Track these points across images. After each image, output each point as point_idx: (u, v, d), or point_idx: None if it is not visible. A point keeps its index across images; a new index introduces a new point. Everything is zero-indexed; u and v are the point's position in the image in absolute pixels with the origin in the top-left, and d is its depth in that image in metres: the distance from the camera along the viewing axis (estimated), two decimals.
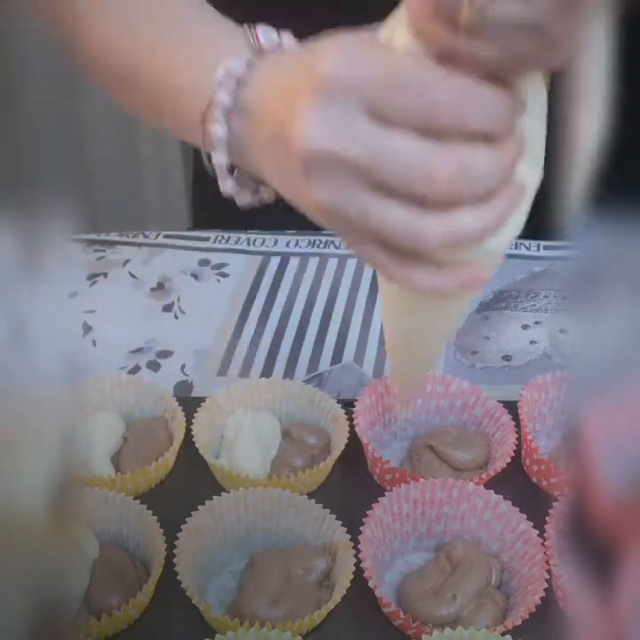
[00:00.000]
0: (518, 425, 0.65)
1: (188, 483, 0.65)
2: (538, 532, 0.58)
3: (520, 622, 0.54)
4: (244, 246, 0.88)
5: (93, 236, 0.90)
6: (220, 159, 0.55)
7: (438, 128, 0.43)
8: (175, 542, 0.57)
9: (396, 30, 0.46)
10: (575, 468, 0.23)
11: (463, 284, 0.47)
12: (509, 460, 0.62)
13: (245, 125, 0.53)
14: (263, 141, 0.51)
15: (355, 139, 0.44)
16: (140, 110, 0.65)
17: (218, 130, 0.54)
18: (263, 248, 0.88)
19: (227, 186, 0.56)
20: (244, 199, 0.57)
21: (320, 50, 0.47)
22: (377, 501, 0.59)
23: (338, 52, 0.46)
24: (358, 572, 0.56)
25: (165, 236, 0.90)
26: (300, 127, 0.46)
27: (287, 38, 0.55)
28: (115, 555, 0.58)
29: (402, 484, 0.60)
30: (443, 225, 0.44)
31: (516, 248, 0.86)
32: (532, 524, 0.58)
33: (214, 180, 0.58)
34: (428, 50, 0.44)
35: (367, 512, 0.58)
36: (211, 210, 0.98)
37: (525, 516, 0.59)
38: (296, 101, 0.46)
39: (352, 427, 0.64)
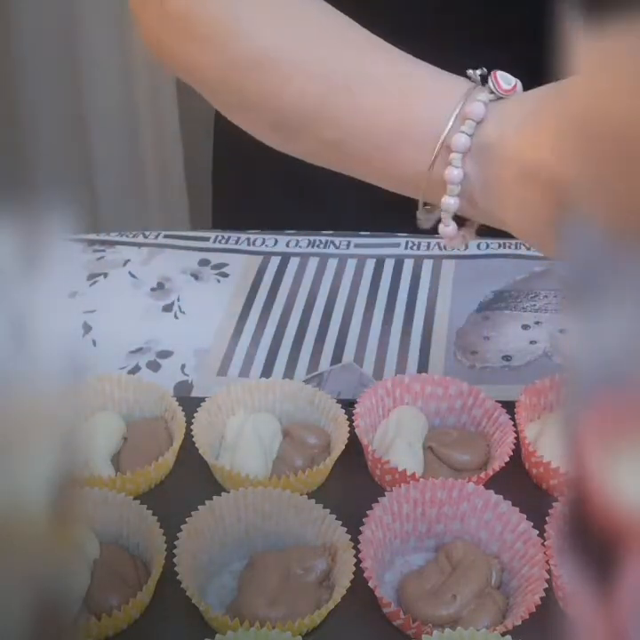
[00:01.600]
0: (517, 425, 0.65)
1: (188, 483, 0.65)
2: (538, 531, 0.58)
3: (520, 622, 0.54)
4: (243, 246, 0.88)
5: (93, 236, 0.90)
6: (450, 203, 0.54)
7: None
8: (175, 542, 0.57)
9: None
10: (575, 468, 0.23)
11: None
12: (508, 459, 0.62)
13: (482, 167, 0.52)
14: (509, 182, 0.51)
15: None
16: (312, 153, 0.61)
17: (454, 173, 0.53)
18: (263, 248, 0.88)
19: (448, 229, 0.56)
20: (455, 242, 0.58)
21: None
22: (377, 501, 0.59)
23: None
24: (358, 571, 0.56)
25: (165, 236, 0.90)
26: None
27: (519, 83, 0.54)
28: (115, 555, 0.58)
29: (402, 485, 0.60)
30: None
31: (515, 248, 0.86)
32: (532, 523, 0.58)
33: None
34: None
35: (367, 512, 0.58)
36: (231, 210, 0.99)
37: (525, 516, 0.59)
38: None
39: (352, 427, 0.64)
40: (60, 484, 0.22)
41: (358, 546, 0.56)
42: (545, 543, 0.57)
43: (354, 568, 0.56)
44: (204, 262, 0.87)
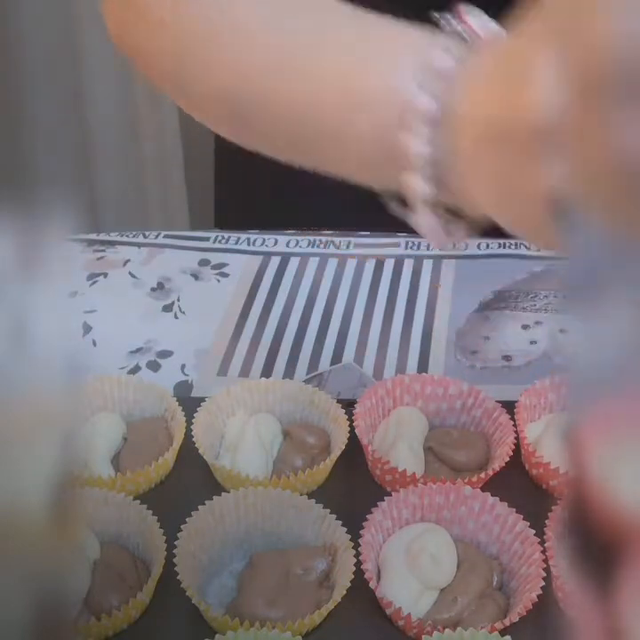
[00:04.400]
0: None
1: (188, 483, 0.65)
2: (534, 531, 0.58)
3: (517, 619, 0.54)
4: (244, 246, 0.88)
5: (93, 236, 0.90)
6: (417, 184, 0.41)
7: None
8: (175, 542, 0.57)
9: None
10: (575, 468, 0.23)
11: None
12: (508, 460, 0.62)
13: (456, 138, 0.40)
14: (473, 148, 0.39)
15: None
16: (273, 147, 0.51)
17: (416, 144, 0.40)
18: (263, 248, 0.88)
19: (424, 219, 0.43)
20: (439, 238, 0.44)
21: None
22: (377, 502, 0.59)
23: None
24: (358, 572, 0.56)
25: (165, 236, 0.90)
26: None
27: (496, 26, 0.41)
28: (115, 555, 0.58)
29: (400, 489, 0.60)
30: None
31: (516, 248, 0.86)
32: (528, 523, 0.58)
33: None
34: None
35: (367, 517, 0.58)
36: (234, 210, 0.98)
37: (522, 517, 0.59)
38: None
39: (352, 427, 0.64)
40: (60, 484, 0.22)
41: (359, 548, 0.56)
42: (544, 543, 0.57)
43: (354, 568, 0.56)
44: (204, 262, 0.87)
